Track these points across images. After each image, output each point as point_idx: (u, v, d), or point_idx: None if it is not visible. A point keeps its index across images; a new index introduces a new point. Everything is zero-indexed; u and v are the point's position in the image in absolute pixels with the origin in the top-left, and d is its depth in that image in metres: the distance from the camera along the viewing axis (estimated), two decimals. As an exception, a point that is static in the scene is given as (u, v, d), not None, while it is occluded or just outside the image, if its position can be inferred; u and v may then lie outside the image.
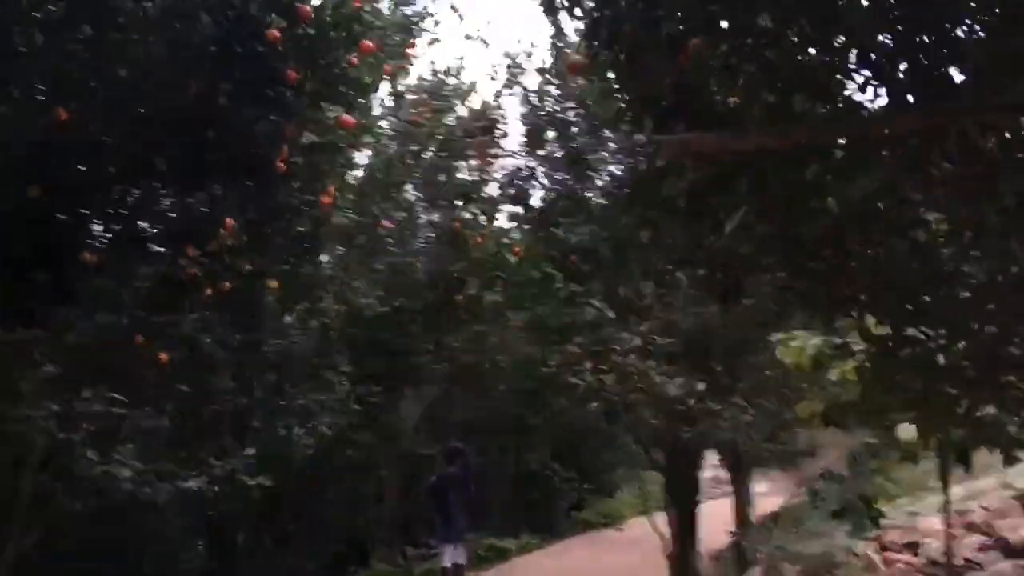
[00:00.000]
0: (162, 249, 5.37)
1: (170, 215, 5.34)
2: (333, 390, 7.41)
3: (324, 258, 7.68)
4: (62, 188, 4.40)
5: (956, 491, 13.10)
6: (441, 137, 8.83)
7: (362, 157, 9.09)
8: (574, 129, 8.57)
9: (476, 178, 9.14)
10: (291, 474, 7.55)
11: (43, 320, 4.58)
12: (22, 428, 4.95)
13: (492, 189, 9.25)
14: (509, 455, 16.59)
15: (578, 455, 19.14)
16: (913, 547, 10.19)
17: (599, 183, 8.54)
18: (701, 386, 7.13)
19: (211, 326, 6.30)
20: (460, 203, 8.88)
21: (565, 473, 18.15)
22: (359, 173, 8.66)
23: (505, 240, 8.79)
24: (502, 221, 9.26)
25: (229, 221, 5.49)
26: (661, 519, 22.30)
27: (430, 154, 9.06)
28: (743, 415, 7.49)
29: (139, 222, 5.33)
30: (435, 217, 8.94)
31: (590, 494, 20.15)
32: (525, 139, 8.91)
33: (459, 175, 9.29)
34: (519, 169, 9.00)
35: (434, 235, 8.88)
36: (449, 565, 11.24)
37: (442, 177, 9.17)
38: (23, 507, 5.69)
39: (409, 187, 9.25)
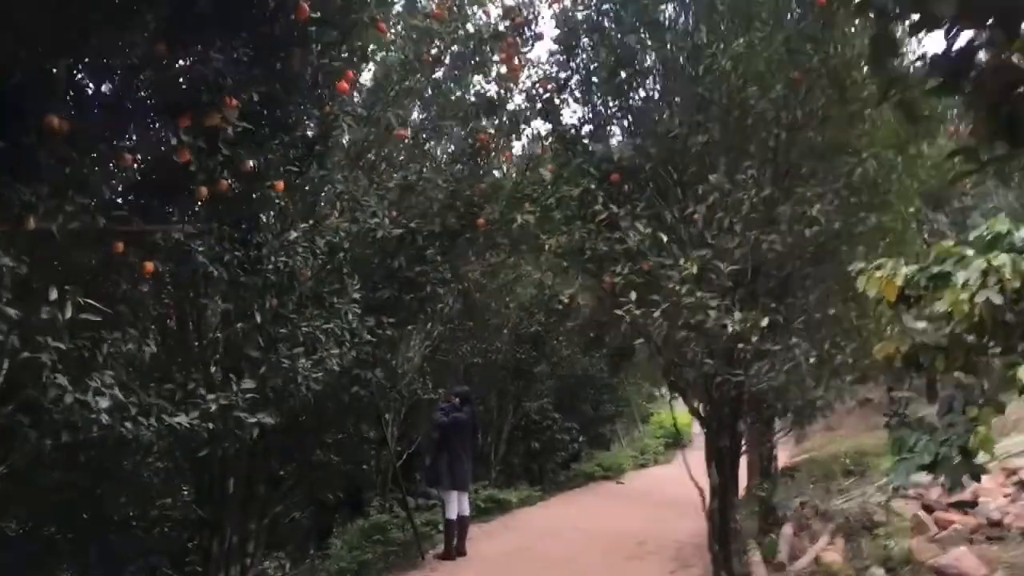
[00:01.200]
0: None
1: (159, 78, 4.32)
2: (342, 319, 6.47)
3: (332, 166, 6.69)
4: (20, 29, 3.42)
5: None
6: (464, 35, 7.82)
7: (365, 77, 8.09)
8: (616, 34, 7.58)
9: (501, 88, 8.14)
10: (291, 413, 6.64)
11: (-7, 200, 3.61)
12: (-26, 343, 3.98)
13: (518, 100, 8.27)
14: (508, 402, 15.81)
15: (578, 406, 18.45)
16: (961, 506, 9.48)
17: (644, 93, 7.59)
18: (764, 322, 6.27)
19: (205, 235, 5.32)
20: (483, 115, 7.89)
21: (566, 423, 17.45)
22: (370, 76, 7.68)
23: (533, 157, 7.85)
24: (527, 138, 8.30)
25: (231, 100, 4.52)
26: (677, 469, 21.71)
27: (452, 55, 8.07)
28: (805, 357, 6.65)
29: (120, 83, 4.32)
30: (455, 130, 7.95)
31: (586, 446, 19.53)
32: (558, 44, 7.93)
33: (483, 83, 8.31)
34: (550, 78, 8.02)
35: (453, 150, 7.92)
36: (454, 517, 10.47)
37: (465, 84, 8.20)
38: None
39: (427, 94, 8.26)
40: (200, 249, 5.10)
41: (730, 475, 7.84)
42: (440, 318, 8.79)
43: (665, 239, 6.58)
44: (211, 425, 5.63)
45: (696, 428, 29.28)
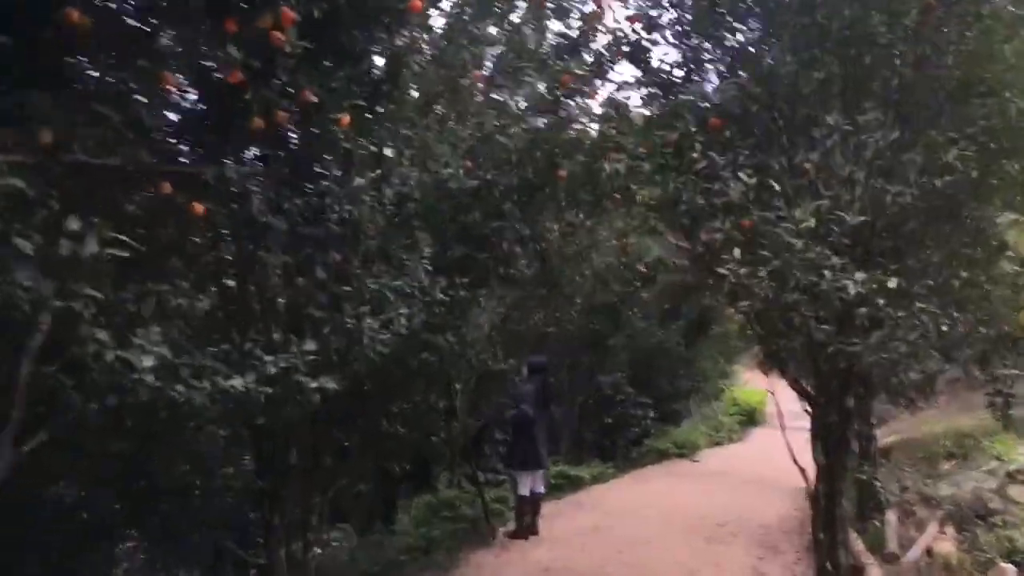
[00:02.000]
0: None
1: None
2: (413, 277, 5.87)
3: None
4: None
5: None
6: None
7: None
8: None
9: (585, 27, 7.40)
10: (356, 378, 6.08)
11: (3, 110, 3.04)
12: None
13: (603, 41, 7.52)
14: (581, 376, 15.17)
15: (652, 379, 17.72)
16: (1092, 494, 8.55)
17: (747, 28, 6.78)
18: (892, 283, 5.47)
19: (262, 176, 4.75)
20: (565, 56, 7.16)
21: (639, 398, 16.77)
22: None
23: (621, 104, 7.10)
24: (613, 84, 7.55)
25: (288, 11, 3.91)
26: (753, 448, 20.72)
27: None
28: (934, 324, 5.83)
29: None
30: (532, 76, 7.23)
31: (659, 422, 18.83)
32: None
33: (564, 27, 7.57)
34: (639, 16, 7.24)
35: (531, 97, 7.21)
36: (527, 493, 9.91)
37: (542, 29, 7.49)
38: (22, 404, 4.34)
39: (503, 39, 7.56)
40: (256, 191, 4.51)
41: (837, 456, 7.05)
42: (515, 281, 8.14)
43: (779, 188, 5.79)
44: (270, 390, 5.10)
45: (772, 407, 28.32)
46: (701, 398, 22.13)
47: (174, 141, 4.35)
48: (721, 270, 5.74)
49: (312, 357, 5.33)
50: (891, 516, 8.98)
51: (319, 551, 8.88)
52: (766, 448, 21.03)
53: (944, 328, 5.95)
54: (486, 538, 9.90)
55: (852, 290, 5.47)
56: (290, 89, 4.45)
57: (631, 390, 16.46)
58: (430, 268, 6.09)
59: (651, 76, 7.20)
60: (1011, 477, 9.29)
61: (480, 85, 7.11)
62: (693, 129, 6.20)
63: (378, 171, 6.05)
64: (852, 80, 6.21)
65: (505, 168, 6.98)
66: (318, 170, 5.45)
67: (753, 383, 29.22)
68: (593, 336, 14.36)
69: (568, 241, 9.48)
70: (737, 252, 5.82)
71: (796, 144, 6.34)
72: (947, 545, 7.85)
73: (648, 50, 7.30)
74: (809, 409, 7.38)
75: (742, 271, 5.75)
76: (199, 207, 4.26)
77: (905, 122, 6.13)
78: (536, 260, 8.06)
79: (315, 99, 4.55)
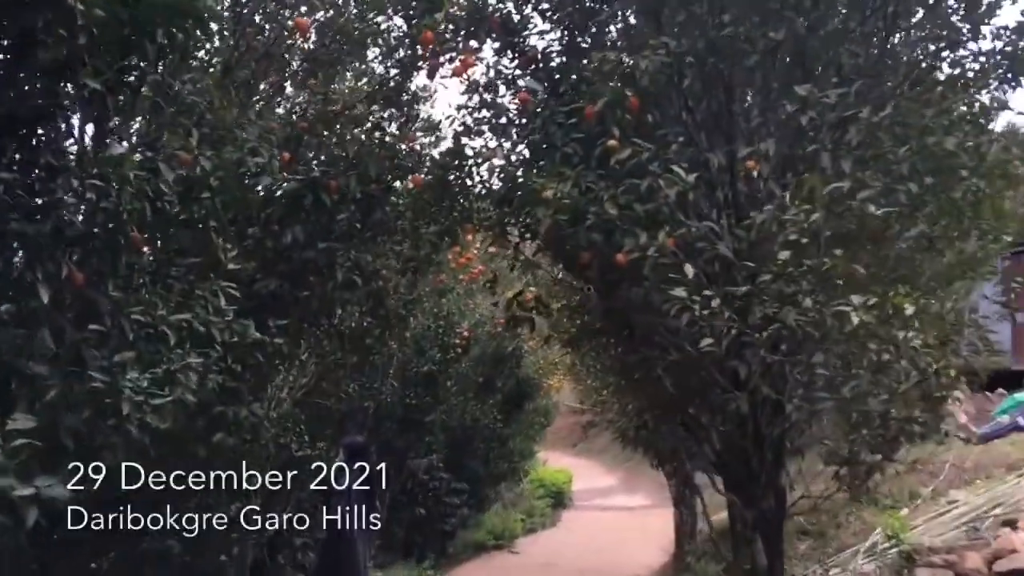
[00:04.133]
0: None
1: None
2: (208, 309, 3.69)
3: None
4: None
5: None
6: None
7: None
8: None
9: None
10: (108, 475, 3.75)
11: None
12: None
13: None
14: (393, 461, 12.94)
15: (465, 462, 15.78)
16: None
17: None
18: (910, 309, 3.94)
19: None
20: (421, 16, 5.26)
21: (455, 484, 14.76)
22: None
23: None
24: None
25: None
26: (567, 534, 18.91)
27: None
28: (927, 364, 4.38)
29: None
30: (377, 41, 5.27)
31: (473, 509, 16.89)
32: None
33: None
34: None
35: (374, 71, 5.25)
36: (344, 625, 7.54)
37: None
38: None
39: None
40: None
41: (777, 551, 5.43)
42: (341, 335, 6.03)
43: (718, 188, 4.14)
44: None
45: (579, 485, 26.91)
46: (513, 480, 20.36)
47: None
48: (676, 293, 3.98)
49: (24, 442, 3.01)
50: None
51: None
52: (582, 533, 19.50)
53: (939, 370, 4.51)
54: None
55: (855, 319, 3.89)
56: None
57: (446, 475, 14.39)
58: (235, 292, 3.89)
59: (528, 56, 5.49)
60: (909, 559, 8.08)
61: (308, 38, 5.03)
62: (627, 92, 4.47)
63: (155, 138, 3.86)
64: (806, 52, 4.77)
65: (338, 167, 4.93)
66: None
67: (552, 462, 27.81)
68: (407, 412, 12.21)
69: (399, 285, 7.45)
70: (690, 270, 4.11)
71: (739, 133, 4.79)
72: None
73: (521, 26, 5.61)
74: (733, 496, 5.73)
75: (700, 296, 4.03)
76: None
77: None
78: (370, 304, 5.99)
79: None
